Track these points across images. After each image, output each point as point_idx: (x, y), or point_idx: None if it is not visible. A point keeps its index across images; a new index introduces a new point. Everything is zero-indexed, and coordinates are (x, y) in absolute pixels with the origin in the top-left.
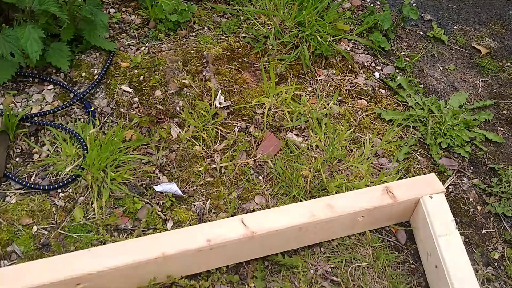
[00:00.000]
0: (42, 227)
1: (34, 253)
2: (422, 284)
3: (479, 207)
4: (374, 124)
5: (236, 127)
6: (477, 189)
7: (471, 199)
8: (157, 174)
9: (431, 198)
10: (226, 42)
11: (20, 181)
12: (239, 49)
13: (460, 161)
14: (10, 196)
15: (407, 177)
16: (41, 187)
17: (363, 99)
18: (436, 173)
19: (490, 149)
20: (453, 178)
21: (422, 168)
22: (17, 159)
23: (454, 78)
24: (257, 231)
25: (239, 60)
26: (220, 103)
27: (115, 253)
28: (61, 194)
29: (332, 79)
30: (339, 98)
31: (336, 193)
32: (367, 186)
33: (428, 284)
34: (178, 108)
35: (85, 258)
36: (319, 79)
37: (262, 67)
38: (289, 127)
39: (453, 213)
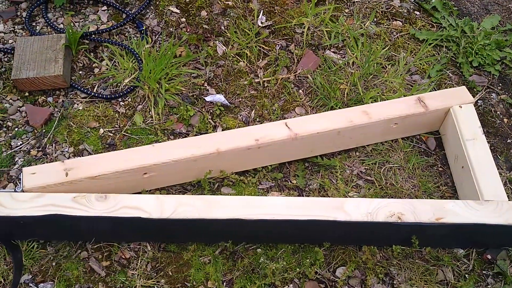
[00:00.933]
0: (107, 130)
1: (103, 151)
2: (448, 184)
3: (505, 120)
4: (408, 43)
5: (277, 45)
6: (505, 103)
7: (498, 112)
8: (205, 86)
9: (461, 107)
10: None
11: (85, 90)
12: None
13: (489, 78)
14: (77, 104)
15: None
16: (104, 96)
17: (398, 20)
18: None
19: None
20: (482, 93)
21: (453, 84)
22: (80, 72)
23: (488, 2)
24: (300, 133)
25: None
26: (262, 22)
27: (177, 148)
28: (121, 103)
29: (369, 1)
30: (375, 19)
31: None
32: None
33: (455, 184)
34: (223, 27)
35: (150, 152)
36: (356, 1)
37: None
38: (327, 45)
39: (481, 124)
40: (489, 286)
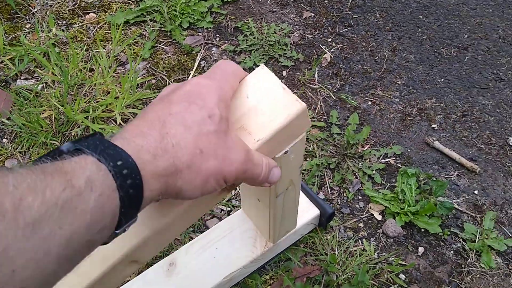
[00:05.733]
0: None
1: None
2: None
3: None
4: (109, 33)
5: None
6: (228, 53)
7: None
8: None
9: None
10: None
11: None
12: None
13: (205, 34)
14: None
15: (158, 72)
16: None
17: (91, 12)
18: (185, 55)
19: (229, 10)
20: (202, 53)
21: (170, 56)
22: None
23: None
24: None
25: None
26: None
27: None
28: None
29: (51, 5)
30: (64, 22)
31: (88, 119)
32: (116, 98)
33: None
34: None
35: None
36: (36, 11)
37: None
38: (15, 75)
39: None
40: None
